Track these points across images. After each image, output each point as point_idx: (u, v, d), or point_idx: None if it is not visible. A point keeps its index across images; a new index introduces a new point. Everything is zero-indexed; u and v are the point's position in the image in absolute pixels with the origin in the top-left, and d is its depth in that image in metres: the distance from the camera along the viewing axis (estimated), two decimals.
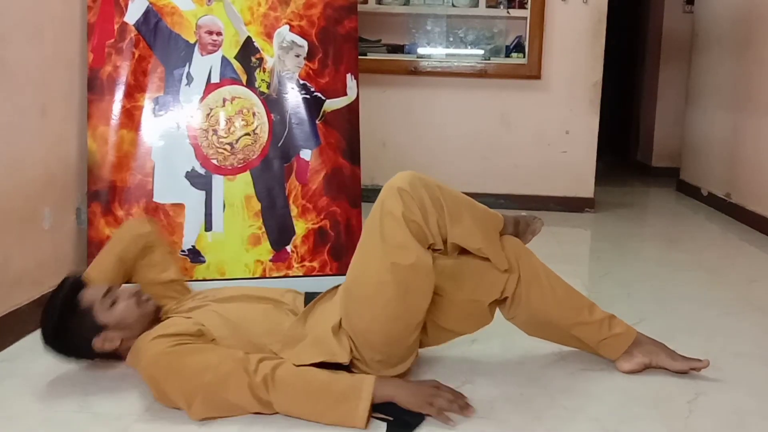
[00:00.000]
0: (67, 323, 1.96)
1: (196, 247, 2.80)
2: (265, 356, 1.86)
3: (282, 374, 1.81)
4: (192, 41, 2.84)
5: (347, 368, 1.94)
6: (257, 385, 1.79)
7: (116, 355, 2.05)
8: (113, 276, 2.26)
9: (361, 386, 1.82)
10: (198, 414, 1.82)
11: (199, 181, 2.81)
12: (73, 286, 2.02)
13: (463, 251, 2.05)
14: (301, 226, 2.86)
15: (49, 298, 2.01)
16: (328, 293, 2.15)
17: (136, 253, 2.31)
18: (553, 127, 4.94)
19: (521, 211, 2.31)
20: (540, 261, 2.14)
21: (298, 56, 2.90)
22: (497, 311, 2.16)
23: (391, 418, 1.82)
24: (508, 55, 5.00)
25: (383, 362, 1.96)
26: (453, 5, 4.98)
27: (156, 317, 2.08)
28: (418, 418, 1.84)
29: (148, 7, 2.80)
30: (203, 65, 2.84)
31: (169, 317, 2.07)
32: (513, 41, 5.02)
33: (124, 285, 2.22)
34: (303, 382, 1.82)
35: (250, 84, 2.87)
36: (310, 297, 2.17)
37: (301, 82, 2.90)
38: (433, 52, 5.07)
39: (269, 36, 2.89)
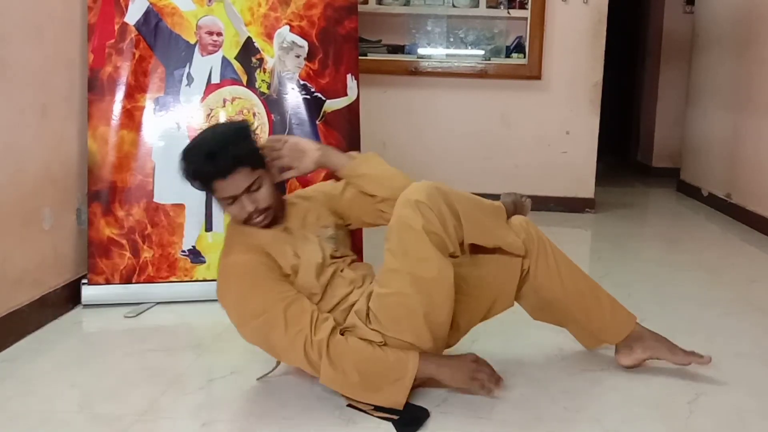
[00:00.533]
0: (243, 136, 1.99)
1: (197, 248, 2.80)
2: (329, 320, 1.88)
3: (337, 344, 1.84)
4: (192, 42, 2.84)
5: None
6: (312, 343, 1.82)
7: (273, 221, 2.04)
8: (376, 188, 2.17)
9: (407, 366, 1.84)
10: (247, 334, 1.90)
11: None
12: (211, 158, 1.94)
13: (474, 249, 2.06)
14: None
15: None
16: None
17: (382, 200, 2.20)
18: (553, 127, 4.94)
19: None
20: (546, 237, 2.17)
21: (298, 57, 2.90)
22: (516, 318, 2.18)
23: (395, 417, 1.82)
24: (508, 56, 4.99)
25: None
26: (453, 6, 4.98)
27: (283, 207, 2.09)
28: (425, 413, 1.85)
29: (148, 7, 2.80)
30: (203, 66, 2.84)
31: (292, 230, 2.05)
32: (513, 41, 5.02)
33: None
34: (354, 357, 1.84)
35: (250, 84, 2.87)
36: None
37: (302, 82, 2.90)
38: (433, 52, 5.07)
39: (269, 36, 2.89)
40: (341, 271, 2.05)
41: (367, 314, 1.93)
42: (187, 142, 2.75)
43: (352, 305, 1.98)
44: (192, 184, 2.00)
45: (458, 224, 1.93)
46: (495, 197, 2.19)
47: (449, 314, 1.94)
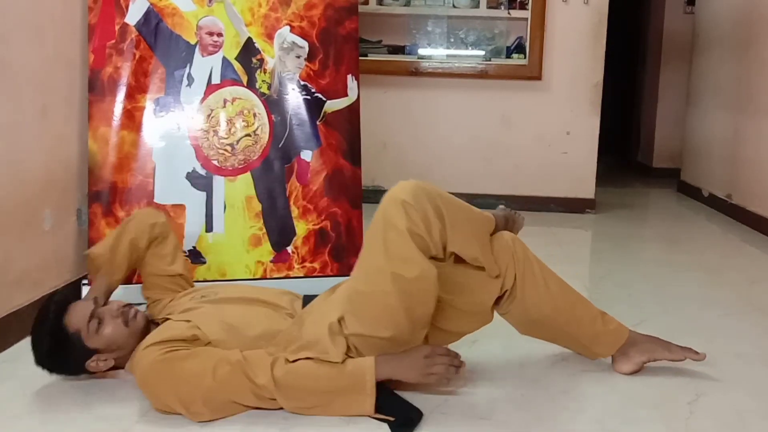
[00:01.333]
0: (57, 350, 1.94)
1: (197, 248, 2.79)
2: (262, 357, 1.84)
3: (283, 377, 1.81)
4: (193, 42, 2.84)
5: None
6: (259, 388, 1.80)
7: (115, 367, 2.04)
8: (122, 261, 2.25)
9: (364, 374, 1.83)
10: (200, 416, 1.82)
11: (200, 182, 2.81)
12: (57, 310, 1.95)
13: (458, 259, 2.02)
14: (301, 227, 2.86)
15: (35, 322, 1.97)
16: (323, 294, 2.13)
17: (147, 242, 2.31)
18: (553, 128, 4.94)
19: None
20: (535, 256, 2.13)
21: (298, 57, 2.90)
22: (496, 315, 2.17)
23: (392, 419, 1.82)
24: (508, 56, 5.00)
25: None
26: (454, 6, 4.98)
27: (148, 329, 2.04)
28: (418, 413, 1.85)
29: (148, 8, 2.80)
30: (204, 66, 2.84)
31: (166, 319, 2.05)
32: (514, 42, 5.02)
33: (112, 297, 2.20)
34: (305, 381, 1.82)
35: (250, 85, 2.87)
36: (308, 300, 2.17)
37: (302, 83, 2.90)
38: (433, 53, 5.07)
39: (270, 37, 2.89)
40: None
41: (339, 321, 1.91)
42: (188, 143, 2.80)
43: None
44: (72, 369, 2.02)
45: (443, 229, 1.91)
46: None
47: (430, 309, 1.92)
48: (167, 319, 2.05)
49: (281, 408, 1.84)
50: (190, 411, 1.81)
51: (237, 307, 2.10)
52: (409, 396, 1.93)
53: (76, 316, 1.95)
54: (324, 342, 1.88)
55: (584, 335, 2.15)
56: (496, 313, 2.15)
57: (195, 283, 2.46)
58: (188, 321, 1.98)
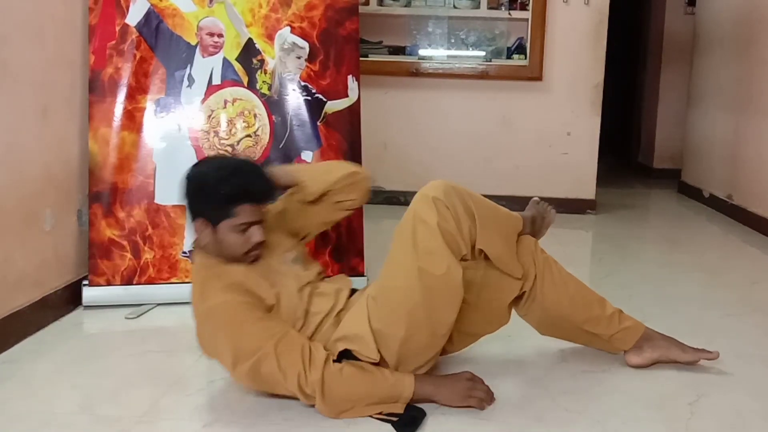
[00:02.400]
0: (211, 185, 1.92)
1: None
2: (320, 351, 1.84)
3: (331, 380, 1.81)
4: (193, 43, 2.84)
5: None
6: (307, 381, 1.80)
7: (197, 245, 2.02)
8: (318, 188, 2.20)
9: (401, 393, 1.85)
10: (240, 376, 1.85)
11: None
12: (259, 177, 1.97)
13: (484, 257, 2.04)
14: None
15: (237, 164, 1.99)
16: (362, 291, 2.11)
17: (337, 200, 2.23)
18: (554, 128, 4.94)
19: (534, 198, 2.33)
20: (552, 258, 2.16)
21: (299, 58, 2.90)
22: (518, 319, 2.20)
23: (395, 419, 1.82)
24: (509, 57, 4.99)
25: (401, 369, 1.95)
26: (454, 7, 4.98)
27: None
28: (422, 413, 1.86)
29: (149, 8, 2.80)
30: (204, 67, 2.84)
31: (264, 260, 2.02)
32: (514, 43, 5.02)
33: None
34: (349, 390, 1.83)
35: (251, 86, 2.87)
36: (352, 293, 2.13)
37: (303, 83, 2.90)
38: (434, 53, 5.07)
39: (270, 38, 2.89)
40: (317, 289, 2.05)
41: (368, 317, 1.92)
42: (189, 143, 2.79)
43: (339, 314, 1.99)
44: (213, 208, 1.94)
45: (473, 226, 1.92)
46: (496, 198, 2.18)
47: (452, 316, 1.93)
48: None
49: (311, 405, 1.85)
50: (236, 368, 1.83)
51: (317, 299, 2.04)
52: None
53: (251, 208, 1.94)
54: (365, 337, 1.89)
55: (602, 333, 2.19)
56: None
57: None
58: (274, 288, 1.96)
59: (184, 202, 1.99)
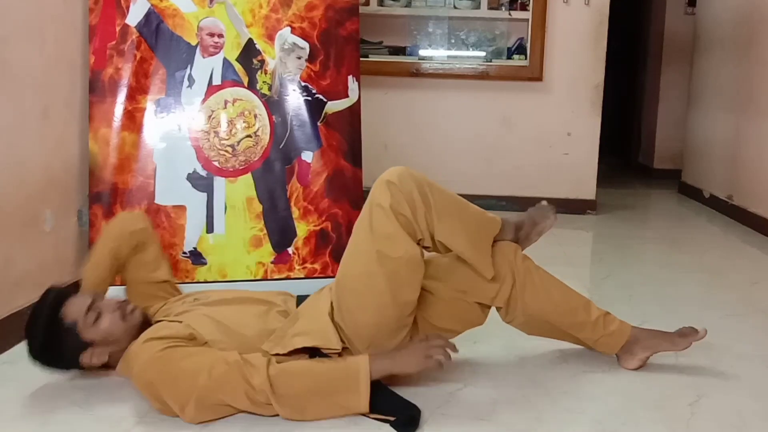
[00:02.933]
0: (52, 342, 1.91)
1: (198, 249, 2.79)
2: (258, 359, 1.82)
3: (277, 375, 1.78)
4: (193, 43, 2.84)
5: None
6: (254, 390, 1.78)
7: (107, 366, 2.00)
8: (106, 274, 2.22)
9: (358, 372, 1.81)
10: (191, 417, 1.81)
11: (201, 183, 2.81)
12: (54, 301, 1.94)
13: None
14: (302, 228, 2.86)
15: (32, 313, 1.95)
16: (315, 293, 2.14)
17: (128, 251, 2.25)
18: (554, 129, 4.94)
19: (543, 201, 2.29)
20: (535, 264, 2.14)
21: (299, 58, 2.90)
22: (495, 314, 2.18)
23: (392, 418, 1.82)
24: (509, 57, 5.00)
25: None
26: (455, 7, 4.98)
27: (143, 326, 2.00)
28: (417, 410, 1.86)
29: (149, 9, 2.80)
30: (205, 67, 2.84)
31: (158, 321, 2.03)
32: (515, 43, 5.02)
33: (108, 295, 2.14)
34: (299, 380, 1.80)
35: (251, 86, 2.87)
36: (301, 300, 2.16)
37: (303, 84, 2.90)
38: (434, 53, 5.07)
39: (271, 38, 2.89)
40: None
41: (331, 308, 1.93)
42: (189, 144, 2.79)
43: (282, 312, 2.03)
44: (65, 364, 1.99)
45: (429, 214, 1.92)
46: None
47: (415, 293, 1.94)
48: (161, 321, 2.03)
49: (275, 415, 1.82)
50: (184, 411, 1.80)
51: (230, 308, 2.08)
52: (409, 396, 1.93)
53: (74, 308, 1.94)
54: (326, 328, 1.90)
55: (587, 338, 2.19)
56: (497, 315, 2.16)
57: (191, 285, 2.45)
58: (182, 322, 1.96)
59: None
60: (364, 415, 1.85)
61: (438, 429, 1.84)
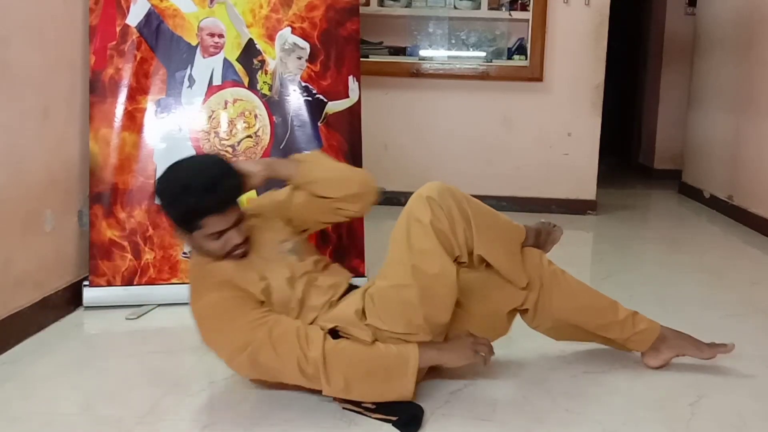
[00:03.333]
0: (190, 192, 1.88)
1: None
2: (316, 331, 1.85)
3: (331, 351, 1.82)
4: (194, 43, 2.84)
5: None
6: (307, 360, 1.80)
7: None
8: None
9: (408, 359, 1.85)
10: (238, 366, 1.87)
11: None
12: (210, 193, 1.88)
13: (488, 263, 2.04)
14: None
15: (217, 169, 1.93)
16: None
17: (338, 207, 2.18)
18: (555, 129, 4.94)
19: (542, 218, 2.33)
20: (560, 269, 2.16)
21: (300, 58, 2.90)
22: (520, 320, 2.20)
23: (394, 418, 1.82)
24: (510, 58, 4.99)
25: None
26: (455, 7, 4.98)
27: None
28: (420, 410, 1.86)
29: (149, 9, 2.80)
30: (205, 67, 2.84)
31: (252, 258, 2.00)
32: (515, 43, 5.02)
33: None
34: (352, 359, 1.83)
35: (251, 86, 2.87)
36: (350, 288, 2.10)
37: (303, 84, 2.90)
38: (435, 54, 5.07)
39: (271, 38, 2.89)
40: (315, 281, 2.04)
41: (363, 311, 1.91)
42: (189, 144, 2.79)
43: (332, 306, 1.99)
44: (179, 222, 1.94)
45: (468, 229, 1.92)
46: (497, 199, 2.19)
47: (448, 314, 1.93)
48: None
49: (318, 391, 1.85)
50: (234, 359, 1.85)
51: (309, 287, 2.03)
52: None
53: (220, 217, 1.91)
54: (358, 324, 1.89)
55: (617, 338, 2.20)
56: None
57: None
58: (265, 279, 1.95)
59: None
60: (365, 414, 1.86)
61: (439, 429, 1.84)
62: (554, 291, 2.11)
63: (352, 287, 2.11)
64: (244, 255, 1.99)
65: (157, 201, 1.98)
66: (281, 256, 2.05)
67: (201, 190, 1.87)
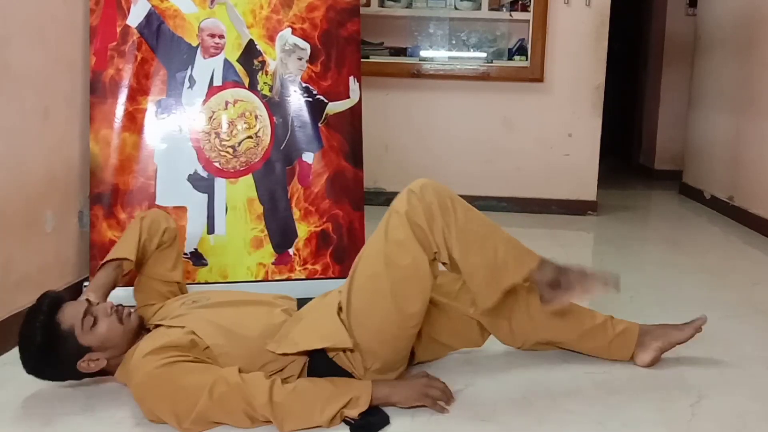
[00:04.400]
0: (49, 349, 1.86)
1: (199, 250, 2.79)
2: (259, 380, 1.81)
3: (281, 401, 1.78)
4: (194, 44, 2.84)
5: (345, 373, 1.94)
6: (255, 411, 1.78)
7: (105, 372, 1.97)
8: (125, 267, 2.20)
9: (360, 394, 1.83)
10: (191, 429, 1.79)
11: (202, 184, 2.82)
12: (50, 307, 1.89)
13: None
14: (303, 229, 2.86)
15: (26, 319, 1.88)
16: (320, 297, 2.10)
17: (156, 245, 2.25)
18: (555, 130, 4.94)
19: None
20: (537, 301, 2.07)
21: (300, 59, 2.90)
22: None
23: (352, 421, 1.82)
24: (510, 58, 4.99)
25: (377, 369, 1.95)
26: (455, 8, 4.98)
27: (140, 330, 2.00)
28: (383, 419, 1.85)
29: (150, 10, 2.80)
30: (206, 68, 2.85)
31: (159, 325, 1.99)
32: (515, 44, 5.02)
33: (109, 298, 2.12)
34: (304, 406, 1.80)
35: (252, 87, 2.87)
36: (302, 303, 2.11)
37: (304, 85, 2.90)
38: (435, 54, 5.07)
39: (272, 39, 2.89)
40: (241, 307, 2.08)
41: (339, 307, 1.92)
42: (190, 145, 2.79)
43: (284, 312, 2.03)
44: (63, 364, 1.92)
45: (447, 229, 1.89)
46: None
47: (419, 305, 1.90)
48: (159, 325, 1.99)
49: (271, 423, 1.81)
50: (182, 426, 1.78)
51: (231, 309, 2.05)
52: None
53: (70, 313, 1.89)
54: (332, 323, 1.89)
55: (601, 344, 2.21)
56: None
57: (192, 286, 2.45)
58: (183, 327, 1.93)
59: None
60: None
61: (439, 429, 1.84)
62: (526, 322, 2.15)
63: (301, 301, 2.12)
64: (137, 320, 1.98)
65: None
66: (188, 308, 2.05)
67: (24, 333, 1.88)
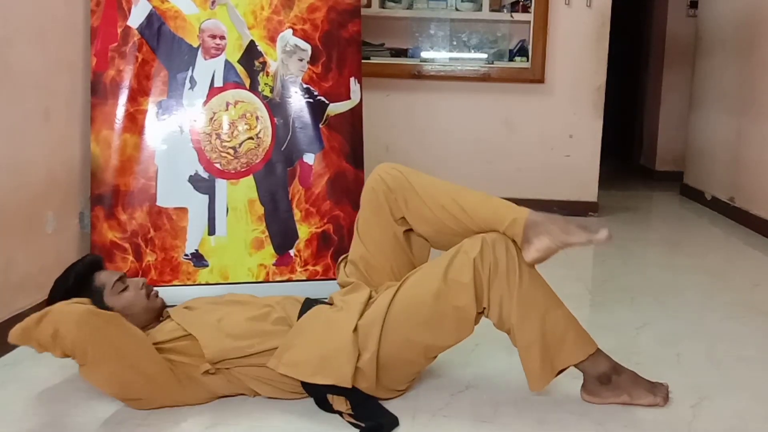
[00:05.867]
0: (74, 295, 1.94)
1: (200, 251, 2.80)
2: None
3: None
4: (195, 45, 2.84)
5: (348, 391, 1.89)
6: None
7: None
8: None
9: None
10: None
11: (203, 185, 2.82)
12: (91, 263, 2.06)
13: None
14: (304, 230, 2.86)
15: (66, 270, 2.05)
16: (318, 309, 2.02)
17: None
18: (556, 131, 4.93)
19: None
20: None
21: (301, 60, 2.90)
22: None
23: (362, 425, 1.82)
24: (511, 59, 4.99)
25: (380, 385, 1.91)
26: (456, 9, 4.98)
27: (159, 314, 2.09)
28: (392, 421, 1.84)
29: (151, 11, 2.80)
30: (206, 69, 2.85)
31: (167, 318, 2.05)
32: (516, 45, 5.02)
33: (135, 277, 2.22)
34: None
35: (253, 88, 2.87)
36: (308, 304, 2.06)
37: (305, 86, 2.90)
38: (436, 56, 5.07)
39: (272, 40, 2.89)
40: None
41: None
42: (191, 146, 2.80)
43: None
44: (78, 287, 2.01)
45: (507, 291, 1.85)
46: None
47: (447, 344, 1.94)
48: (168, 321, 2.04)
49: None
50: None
51: (227, 308, 2.06)
52: (411, 398, 1.93)
53: (106, 274, 2.05)
54: (342, 362, 1.83)
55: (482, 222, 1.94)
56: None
57: (193, 287, 2.47)
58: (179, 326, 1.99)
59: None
60: (340, 414, 1.86)
61: (438, 430, 1.84)
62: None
63: (308, 302, 2.09)
64: (161, 302, 2.09)
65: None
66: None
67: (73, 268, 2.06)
